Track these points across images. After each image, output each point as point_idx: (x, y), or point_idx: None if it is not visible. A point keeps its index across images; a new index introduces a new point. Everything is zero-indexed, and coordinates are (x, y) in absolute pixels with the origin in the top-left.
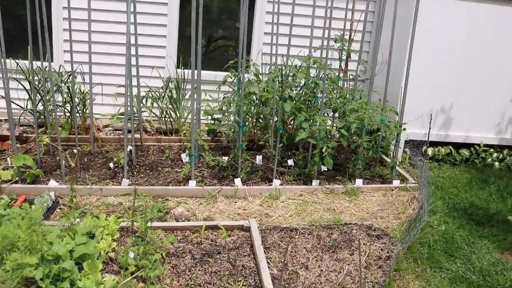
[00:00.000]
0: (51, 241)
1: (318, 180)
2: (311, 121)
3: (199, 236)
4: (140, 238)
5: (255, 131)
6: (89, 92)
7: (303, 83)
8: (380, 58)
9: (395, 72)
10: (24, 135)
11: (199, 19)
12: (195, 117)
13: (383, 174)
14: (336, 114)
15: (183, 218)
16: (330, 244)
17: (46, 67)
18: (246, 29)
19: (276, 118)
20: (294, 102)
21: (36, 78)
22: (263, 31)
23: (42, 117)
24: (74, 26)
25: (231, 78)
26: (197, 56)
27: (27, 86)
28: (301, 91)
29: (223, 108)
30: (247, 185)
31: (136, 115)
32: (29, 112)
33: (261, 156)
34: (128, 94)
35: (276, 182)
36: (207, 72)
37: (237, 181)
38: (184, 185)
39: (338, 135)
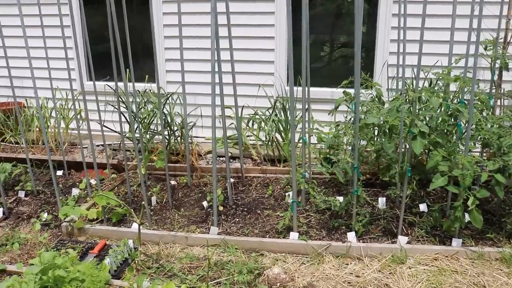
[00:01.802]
0: None
1: (461, 239)
2: (451, 160)
3: None
4: None
5: (379, 163)
6: (188, 115)
7: (439, 106)
8: None
9: None
10: (124, 162)
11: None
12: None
13: None
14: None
15: (278, 284)
16: None
17: (147, 89)
18: (360, 38)
19: (403, 157)
20: (428, 135)
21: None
22: (389, 38)
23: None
24: (172, 44)
25: (346, 101)
26: (301, 70)
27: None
28: (438, 113)
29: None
30: (364, 241)
31: (229, 140)
32: (128, 138)
33: (384, 199)
34: (219, 115)
35: (402, 240)
36: (323, 90)
37: (351, 235)
38: (284, 237)
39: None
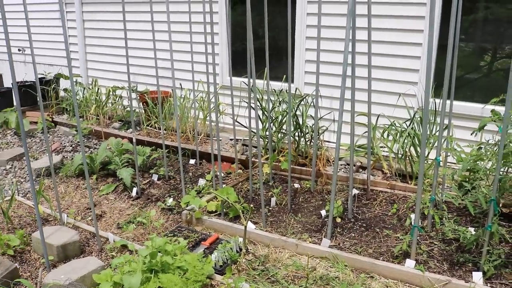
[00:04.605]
0: None
1: None
2: None
3: None
4: None
5: None
6: (321, 119)
7: None
8: None
9: None
10: (253, 159)
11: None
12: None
13: None
14: None
15: None
16: None
17: (283, 88)
18: None
19: None
20: None
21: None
22: None
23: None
24: (315, 45)
25: (494, 122)
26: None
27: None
28: None
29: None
30: (492, 286)
31: (364, 150)
32: (261, 137)
33: None
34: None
35: None
36: (471, 105)
37: (476, 276)
38: (399, 262)
39: None
